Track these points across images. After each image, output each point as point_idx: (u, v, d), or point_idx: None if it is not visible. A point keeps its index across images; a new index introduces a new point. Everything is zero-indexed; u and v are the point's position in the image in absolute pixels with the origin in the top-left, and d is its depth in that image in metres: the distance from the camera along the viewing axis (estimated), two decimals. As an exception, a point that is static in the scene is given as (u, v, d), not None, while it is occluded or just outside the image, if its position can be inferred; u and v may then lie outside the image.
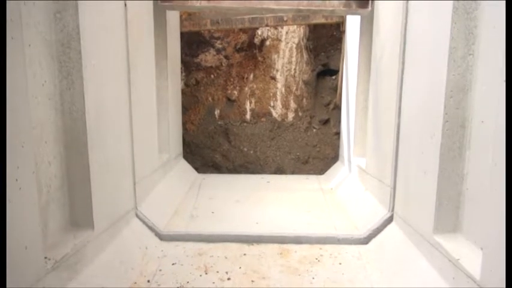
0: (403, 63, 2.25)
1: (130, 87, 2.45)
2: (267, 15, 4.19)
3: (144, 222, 2.49)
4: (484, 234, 1.58)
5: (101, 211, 2.01)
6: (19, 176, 1.36)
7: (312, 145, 4.62)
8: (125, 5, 2.34)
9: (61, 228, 1.84)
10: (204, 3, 3.07)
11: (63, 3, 1.75)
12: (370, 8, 3.01)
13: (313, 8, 3.12)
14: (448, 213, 1.84)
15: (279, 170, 4.57)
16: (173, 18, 3.75)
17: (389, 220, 2.44)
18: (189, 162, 4.38)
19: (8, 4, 1.34)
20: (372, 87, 2.99)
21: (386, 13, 2.69)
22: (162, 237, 2.48)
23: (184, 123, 4.55)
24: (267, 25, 4.25)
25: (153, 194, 2.84)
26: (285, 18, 4.11)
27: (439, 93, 1.79)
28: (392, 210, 2.45)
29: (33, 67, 1.61)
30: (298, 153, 4.60)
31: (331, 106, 4.66)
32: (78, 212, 1.92)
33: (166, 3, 3.11)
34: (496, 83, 1.54)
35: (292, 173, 4.55)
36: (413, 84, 2.14)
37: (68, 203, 1.89)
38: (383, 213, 2.52)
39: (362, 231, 2.54)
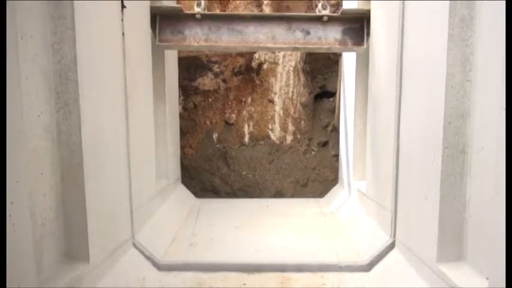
0: (400, 88, 2.26)
1: (128, 115, 2.44)
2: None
3: (141, 252, 2.44)
4: (489, 264, 1.54)
5: (97, 242, 1.97)
6: (13, 211, 1.33)
7: (311, 168, 4.59)
8: (123, 34, 2.36)
9: (56, 261, 1.80)
10: (202, 43, 3.11)
11: (60, 36, 1.76)
12: (365, 46, 3.04)
13: (310, 46, 3.16)
14: (452, 241, 1.80)
15: (279, 194, 4.53)
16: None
17: (391, 246, 2.40)
18: (187, 186, 4.34)
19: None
20: (370, 111, 2.99)
21: (382, 43, 2.72)
22: (160, 267, 2.42)
23: (182, 147, 4.54)
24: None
25: (150, 222, 2.80)
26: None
27: (438, 119, 1.79)
28: (394, 236, 2.41)
29: (29, 99, 1.61)
30: (297, 176, 4.57)
31: (329, 128, 4.66)
32: (73, 244, 1.88)
33: (165, 44, 3.14)
34: (495, 110, 1.54)
35: (292, 196, 4.51)
36: (412, 109, 2.14)
37: (63, 235, 1.85)
38: (384, 239, 2.48)
39: (364, 258, 2.49)
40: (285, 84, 4.69)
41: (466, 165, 1.76)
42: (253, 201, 4.22)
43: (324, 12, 3.10)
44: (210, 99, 4.75)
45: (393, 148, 2.35)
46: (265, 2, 4.56)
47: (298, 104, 4.67)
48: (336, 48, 3.20)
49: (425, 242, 1.95)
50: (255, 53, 4.61)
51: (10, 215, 1.32)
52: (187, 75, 4.69)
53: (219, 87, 4.72)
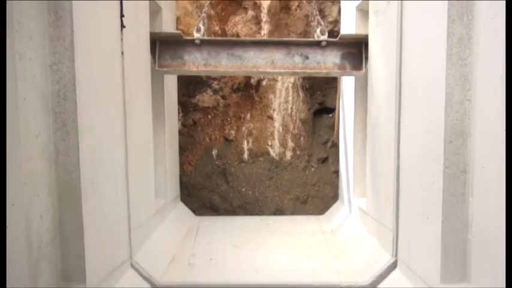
0: (400, 107, 2.25)
1: (127, 134, 2.43)
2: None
3: (139, 273, 2.39)
4: (493, 285, 1.52)
5: (94, 264, 1.93)
6: (8, 236, 1.31)
7: (311, 184, 4.57)
8: (122, 53, 2.36)
9: (52, 284, 1.76)
10: (202, 68, 3.13)
11: (59, 56, 1.76)
12: (364, 70, 3.05)
13: (308, 70, 3.19)
14: (455, 262, 1.77)
15: (278, 211, 4.49)
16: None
17: (393, 266, 2.36)
18: (186, 204, 4.30)
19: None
20: (370, 130, 2.99)
21: (380, 65, 2.73)
22: (158, 288, 2.38)
23: (181, 164, 4.51)
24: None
25: (149, 242, 2.76)
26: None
27: (438, 138, 1.78)
28: (396, 255, 2.38)
29: (27, 120, 1.59)
30: (297, 193, 4.54)
31: (329, 144, 4.65)
32: (70, 267, 1.84)
33: (164, 69, 3.15)
34: (495, 129, 1.53)
35: (292, 213, 4.48)
36: (411, 128, 2.13)
37: (59, 258, 1.82)
38: (386, 259, 2.44)
39: (365, 278, 2.45)
40: (284, 101, 4.69)
41: (468, 185, 1.74)
42: (252, 219, 4.18)
43: (322, 38, 3.13)
44: (210, 116, 4.75)
45: (393, 166, 2.33)
46: (263, 20, 4.60)
47: (298, 120, 4.67)
48: (334, 72, 3.24)
49: (428, 262, 1.92)
50: (254, 70, 4.62)
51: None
52: (186, 91, 4.70)
53: (218, 103, 4.72)
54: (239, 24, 4.70)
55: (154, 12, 3.27)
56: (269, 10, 4.57)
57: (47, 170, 1.75)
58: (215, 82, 4.78)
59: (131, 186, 2.47)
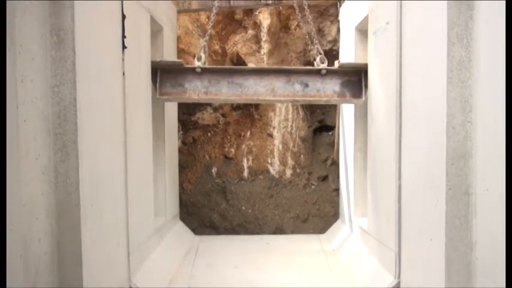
0: (400, 128, 2.25)
1: (127, 153, 2.42)
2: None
3: (138, 296, 2.35)
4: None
5: (92, 288, 1.90)
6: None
7: (311, 202, 4.53)
8: (123, 73, 2.37)
9: (48, 309, 1.73)
10: (202, 96, 3.15)
11: (61, 78, 1.77)
12: (363, 98, 3.07)
13: (308, 98, 3.22)
14: (459, 284, 1.74)
15: (279, 230, 4.45)
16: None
17: (396, 288, 2.33)
18: (185, 222, 4.26)
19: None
20: (370, 148, 2.98)
21: (379, 88, 2.74)
22: (156, 311, 2.33)
23: (181, 183, 4.49)
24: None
25: (147, 263, 2.72)
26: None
27: (440, 159, 1.77)
28: (399, 277, 2.34)
29: (27, 143, 1.59)
30: (297, 211, 4.50)
31: (329, 162, 4.63)
32: (67, 291, 1.81)
33: (165, 97, 3.17)
34: (497, 151, 1.53)
35: (292, 232, 4.43)
36: (412, 149, 2.13)
37: (57, 282, 1.78)
38: (389, 280, 2.40)
39: (368, 300, 2.41)
40: (284, 119, 4.70)
41: (471, 206, 1.73)
42: (252, 238, 4.13)
43: (322, 66, 3.16)
44: (209, 134, 4.75)
45: (394, 187, 2.32)
46: (263, 39, 4.64)
47: (298, 138, 4.67)
48: (334, 100, 3.26)
49: (432, 284, 1.89)
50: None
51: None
52: (186, 109, 4.71)
53: (218, 121, 4.73)
54: (239, 43, 4.75)
55: (156, 31, 3.30)
56: (269, 29, 4.62)
57: (47, 192, 1.73)
58: (215, 100, 4.80)
59: (131, 206, 2.45)
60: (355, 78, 3.14)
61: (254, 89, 3.16)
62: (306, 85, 3.15)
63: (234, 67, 3.40)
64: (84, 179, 1.83)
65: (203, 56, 3.13)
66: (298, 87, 3.16)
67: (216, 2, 3.38)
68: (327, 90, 3.16)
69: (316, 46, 3.27)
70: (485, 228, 1.66)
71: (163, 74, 3.12)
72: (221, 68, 3.29)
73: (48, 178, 1.74)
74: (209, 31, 3.33)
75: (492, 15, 1.57)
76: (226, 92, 3.14)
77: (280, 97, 3.20)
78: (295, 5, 3.76)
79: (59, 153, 1.79)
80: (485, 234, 1.66)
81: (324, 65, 3.16)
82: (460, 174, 1.72)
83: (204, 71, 3.15)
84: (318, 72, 3.16)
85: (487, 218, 1.65)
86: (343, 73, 3.16)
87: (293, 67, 3.50)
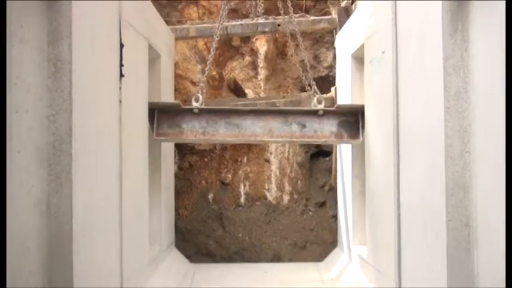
0: (398, 155, 2.24)
1: (122, 182, 2.38)
2: (260, 101, 4.30)
3: (130, 330, 2.27)
4: None
5: (83, 324, 1.83)
6: (-8, 300, 1.23)
7: (309, 229, 4.47)
8: (120, 101, 2.36)
9: None
10: (200, 137, 3.15)
11: (57, 108, 1.75)
12: (361, 139, 3.07)
13: (306, 139, 3.23)
14: (463, 320, 1.69)
15: (276, 257, 4.37)
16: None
17: (398, 321, 2.26)
18: (181, 250, 4.17)
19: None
20: (368, 176, 2.96)
21: (377, 113, 2.75)
22: None
23: (177, 208, 4.43)
24: (260, 110, 4.33)
25: (141, 295, 2.65)
26: (277, 104, 4.21)
27: (439, 190, 1.75)
28: (400, 309, 2.28)
29: (20, 174, 1.55)
30: (295, 238, 4.43)
31: (327, 188, 4.60)
32: (57, 328, 1.74)
33: (162, 138, 3.16)
34: (497, 181, 1.51)
35: (290, 260, 4.35)
36: (411, 177, 2.11)
37: (46, 318, 1.72)
38: (390, 312, 2.34)
39: (369, 334, 2.33)
40: (281, 144, 4.69)
41: (472, 238, 1.69)
42: (250, 267, 4.05)
43: (319, 107, 3.17)
44: (206, 159, 4.72)
45: (394, 216, 2.29)
46: (260, 65, 4.69)
47: (295, 164, 4.65)
48: (332, 140, 3.28)
49: (434, 319, 1.84)
50: (251, 113, 4.66)
51: (-12, 304, 1.22)
52: (183, 135, 4.71)
53: (215, 146, 4.71)
54: (236, 69, 4.79)
55: (153, 58, 3.32)
56: (266, 56, 4.68)
57: (38, 224, 1.69)
58: (212, 125, 4.80)
59: (125, 235, 2.39)
60: (353, 119, 3.14)
61: (251, 130, 3.15)
62: (303, 126, 3.16)
63: (232, 108, 3.43)
64: (77, 210, 1.79)
65: (201, 96, 3.13)
66: (295, 127, 3.16)
67: (213, 49, 3.39)
68: (324, 130, 3.16)
69: (313, 87, 3.30)
70: (487, 260, 1.63)
71: (161, 114, 3.10)
72: (219, 109, 3.29)
73: (40, 210, 1.70)
74: (207, 72, 3.36)
75: (487, 47, 1.58)
76: (224, 132, 3.13)
77: (278, 138, 3.20)
78: (287, 34, 3.80)
79: (53, 184, 1.76)
80: (486, 265, 1.63)
81: (321, 106, 3.17)
82: (460, 205, 1.70)
83: (202, 112, 3.14)
84: (315, 112, 3.16)
85: (488, 249, 1.62)
86: (340, 113, 3.17)
87: (290, 108, 3.55)
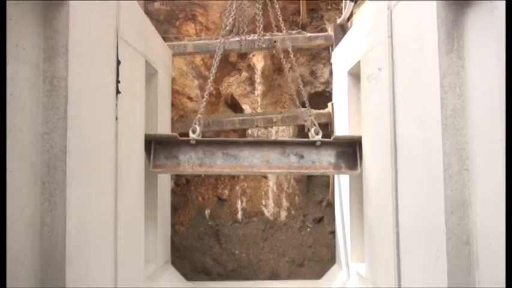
0: (396, 172, 2.23)
1: (117, 199, 2.35)
2: (257, 117, 4.30)
3: None
4: None
5: None
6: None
7: (307, 245, 4.42)
8: (116, 118, 2.34)
9: None
10: (197, 168, 3.13)
11: (52, 126, 1.73)
12: (359, 170, 3.07)
13: (304, 170, 3.22)
14: None
15: (274, 275, 4.30)
16: (165, 120, 3.81)
17: None
18: (177, 267, 4.11)
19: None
20: (366, 193, 2.94)
21: (374, 131, 2.75)
22: None
23: (173, 225, 4.37)
24: (256, 126, 4.33)
25: (136, 315, 2.58)
26: (274, 120, 4.21)
27: (438, 208, 1.73)
28: (401, 329, 2.23)
29: (13, 193, 1.52)
30: (292, 255, 4.37)
31: (324, 204, 4.56)
32: None
33: (159, 170, 3.14)
34: (497, 199, 1.50)
35: (288, 277, 4.28)
36: (409, 194, 2.09)
37: None
38: (390, 332, 2.29)
39: None
40: (278, 159, 4.67)
41: (473, 257, 1.67)
42: (247, 285, 3.98)
43: (317, 138, 3.18)
44: (203, 175, 4.68)
45: (393, 235, 2.26)
46: (257, 81, 4.70)
47: (292, 179, 4.62)
48: (330, 172, 3.28)
49: None
50: (247, 128, 4.65)
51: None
52: (180, 150, 4.69)
53: (212, 162, 4.69)
54: (233, 85, 4.81)
55: (151, 75, 3.32)
56: (263, 72, 4.70)
57: (30, 244, 1.65)
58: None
59: (120, 255, 2.35)
60: (350, 150, 3.13)
61: (249, 161, 3.13)
62: (301, 156, 3.14)
63: (229, 139, 3.44)
64: (70, 230, 1.76)
65: (198, 128, 3.13)
66: (293, 158, 3.15)
67: (211, 80, 3.39)
68: (322, 161, 3.14)
69: (310, 118, 3.30)
70: (488, 280, 1.60)
71: (158, 145, 3.09)
72: (216, 140, 3.31)
73: (33, 230, 1.66)
74: (204, 103, 3.36)
75: (483, 65, 1.59)
76: (221, 163, 3.11)
77: (276, 169, 3.17)
78: (280, 51, 3.81)
79: (46, 202, 1.72)
80: (488, 285, 1.60)
81: (319, 137, 3.16)
82: (460, 223, 1.68)
83: (199, 143, 3.13)
84: (312, 143, 3.16)
85: (489, 268, 1.59)
86: (338, 144, 3.17)
87: (288, 139, 3.56)
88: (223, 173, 3.40)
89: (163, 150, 3.09)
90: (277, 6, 3.50)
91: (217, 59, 3.37)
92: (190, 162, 3.10)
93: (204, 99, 3.35)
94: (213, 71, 3.35)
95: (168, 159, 3.09)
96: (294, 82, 3.73)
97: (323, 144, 3.14)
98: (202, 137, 3.23)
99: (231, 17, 3.37)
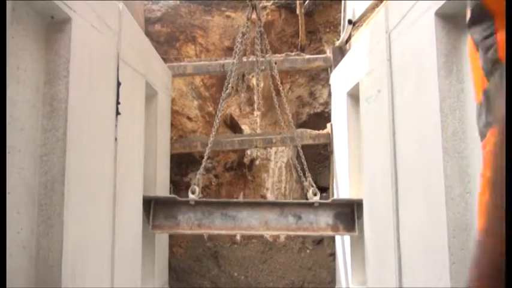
0: (397, 194, 2.21)
1: (115, 220, 2.31)
2: (256, 138, 4.30)
3: None
4: None
5: None
6: None
7: (307, 268, 4.35)
8: (116, 139, 2.34)
9: None
10: (195, 229, 3.14)
11: (50, 147, 1.72)
12: (356, 233, 3.08)
13: (301, 232, 3.22)
14: None
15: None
16: (164, 142, 3.80)
17: None
18: (175, 290, 4.03)
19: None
20: (366, 214, 2.91)
21: (374, 151, 2.75)
22: None
23: (171, 246, 4.31)
24: (256, 146, 4.33)
25: None
26: (274, 140, 4.21)
27: (441, 231, 1.71)
28: None
29: (10, 215, 1.50)
30: (292, 278, 4.30)
31: (324, 225, 4.52)
32: None
33: (158, 231, 3.16)
34: (500, 224, 1.47)
35: (287, 301, 4.20)
36: (411, 218, 2.07)
37: None
38: None
39: None
40: (277, 180, 4.66)
41: (476, 282, 1.63)
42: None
43: (315, 199, 3.18)
44: (202, 195, 4.65)
45: (395, 258, 2.22)
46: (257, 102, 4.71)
47: (292, 200, 4.59)
48: (327, 233, 3.27)
49: None
50: (246, 149, 4.65)
51: None
52: (178, 170, 4.65)
53: (211, 182, 4.66)
54: (233, 106, 4.83)
55: (150, 96, 3.33)
56: (262, 93, 4.72)
57: (27, 267, 1.62)
58: (208, 161, 4.76)
59: (116, 278, 2.30)
60: (348, 210, 3.14)
61: (247, 222, 3.13)
62: (299, 217, 3.15)
63: (228, 200, 3.45)
64: (67, 253, 1.72)
65: (197, 189, 3.15)
66: (291, 219, 3.15)
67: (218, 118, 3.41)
68: (320, 222, 3.14)
69: (308, 179, 3.32)
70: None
71: (157, 205, 3.11)
72: (215, 201, 3.32)
73: (29, 253, 1.64)
74: (204, 164, 3.38)
75: (483, 88, 1.59)
76: (220, 224, 3.12)
77: (274, 230, 3.17)
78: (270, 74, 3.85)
79: (43, 225, 1.70)
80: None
81: (317, 198, 3.18)
82: (463, 247, 1.65)
83: (198, 203, 3.15)
84: (310, 204, 3.17)
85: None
86: (336, 205, 3.18)
87: (286, 200, 3.59)
88: (222, 234, 3.43)
89: (162, 210, 3.11)
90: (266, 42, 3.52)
91: (223, 103, 3.41)
92: (189, 223, 3.11)
93: (207, 152, 3.39)
94: (219, 116, 3.37)
95: (167, 219, 3.10)
96: (292, 102, 3.75)
97: (321, 205, 3.15)
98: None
99: (239, 53, 3.40)
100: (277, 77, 3.55)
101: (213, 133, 3.35)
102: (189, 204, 3.09)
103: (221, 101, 3.39)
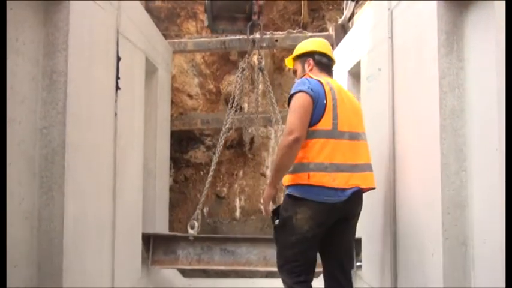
0: (394, 172, 2.23)
1: (116, 195, 2.35)
2: (257, 116, 4.30)
3: None
4: None
5: None
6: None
7: (305, 245, 4.42)
8: (115, 114, 2.34)
9: None
10: (194, 264, 3.16)
11: (50, 120, 1.73)
12: (354, 269, 2.95)
13: None
14: None
15: (271, 273, 4.30)
16: (164, 119, 3.81)
17: None
18: (174, 264, 4.10)
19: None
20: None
21: (373, 132, 2.75)
22: None
23: (171, 222, 4.37)
24: (256, 125, 4.33)
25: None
26: (274, 119, 4.21)
27: (436, 208, 1.73)
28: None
29: (11, 186, 1.53)
30: (290, 254, 4.38)
31: (323, 202, 4.57)
32: None
33: (157, 266, 3.19)
34: (494, 201, 1.50)
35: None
36: (407, 196, 2.10)
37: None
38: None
39: None
40: (277, 158, 4.68)
41: (468, 257, 1.67)
42: (243, 283, 3.98)
43: None
44: (202, 172, 4.70)
45: (390, 234, 2.26)
46: (257, 80, 4.69)
47: (291, 178, 4.62)
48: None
49: None
50: (247, 127, 4.65)
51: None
52: (179, 147, 4.69)
53: (211, 160, 4.69)
54: (233, 84, 4.80)
55: (151, 72, 3.32)
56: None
57: (28, 238, 1.66)
58: (208, 138, 4.79)
59: (117, 250, 2.35)
60: None
61: (246, 257, 3.14)
62: None
63: (227, 236, 3.47)
64: (68, 224, 1.76)
65: (196, 223, 3.17)
66: None
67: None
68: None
69: None
70: (484, 280, 1.60)
71: (157, 240, 3.14)
72: (214, 237, 3.39)
73: (30, 223, 1.67)
74: (203, 199, 3.44)
75: (482, 66, 1.59)
76: (219, 259, 3.14)
77: (272, 266, 3.05)
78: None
79: (44, 196, 1.73)
80: (484, 286, 1.60)
81: None
82: (456, 224, 1.68)
83: (197, 239, 3.17)
84: None
85: (485, 269, 1.59)
86: None
87: None
88: (221, 270, 3.49)
89: (162, 245, 3.15)
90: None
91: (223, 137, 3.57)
92: (188, 258, 3.15)
93: (206, 186, 3.46)
94: (218, 154, 3.55)
95: (167, 254, 3.14)
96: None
97: None
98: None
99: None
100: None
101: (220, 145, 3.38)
102: (189, 240, 3.13)
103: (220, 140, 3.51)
